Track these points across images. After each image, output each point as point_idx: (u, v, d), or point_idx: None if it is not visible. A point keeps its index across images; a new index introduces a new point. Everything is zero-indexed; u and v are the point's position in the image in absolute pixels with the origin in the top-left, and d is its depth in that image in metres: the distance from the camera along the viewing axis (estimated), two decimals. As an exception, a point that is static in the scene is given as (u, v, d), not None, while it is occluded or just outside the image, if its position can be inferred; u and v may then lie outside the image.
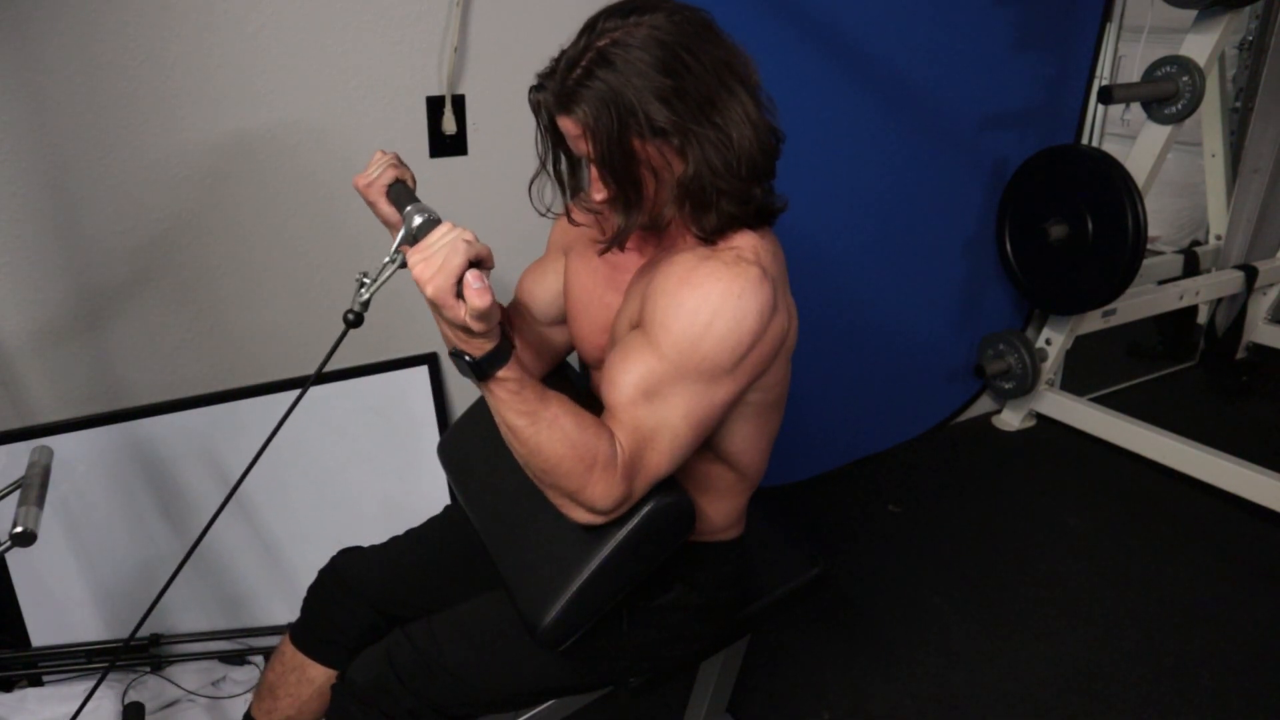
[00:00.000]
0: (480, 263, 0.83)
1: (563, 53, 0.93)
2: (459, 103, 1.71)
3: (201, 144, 1.52)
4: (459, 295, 0.81)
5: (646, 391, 0.92)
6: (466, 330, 0.83)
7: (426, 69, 1.67)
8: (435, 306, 0.82)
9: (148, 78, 1.44)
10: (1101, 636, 1.94)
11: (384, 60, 1.62)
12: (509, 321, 1.19)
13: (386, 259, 0.91)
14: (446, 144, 1.73)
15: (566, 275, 1.17)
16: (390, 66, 1.63)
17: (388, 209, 1.05)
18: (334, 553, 1.30)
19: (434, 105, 1.69)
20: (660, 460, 0.94)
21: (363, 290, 0.92)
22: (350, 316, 0.93)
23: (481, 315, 0.81)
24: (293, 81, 1.56)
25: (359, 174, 1.06)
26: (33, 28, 1.34)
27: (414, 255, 0.82)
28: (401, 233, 0.91)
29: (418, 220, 0.90)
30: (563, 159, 1.03)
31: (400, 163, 1.07)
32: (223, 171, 1.55)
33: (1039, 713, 1.74)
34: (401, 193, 1.03)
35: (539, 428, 0.89)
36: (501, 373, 0.87)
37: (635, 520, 0.97)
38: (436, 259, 0.81)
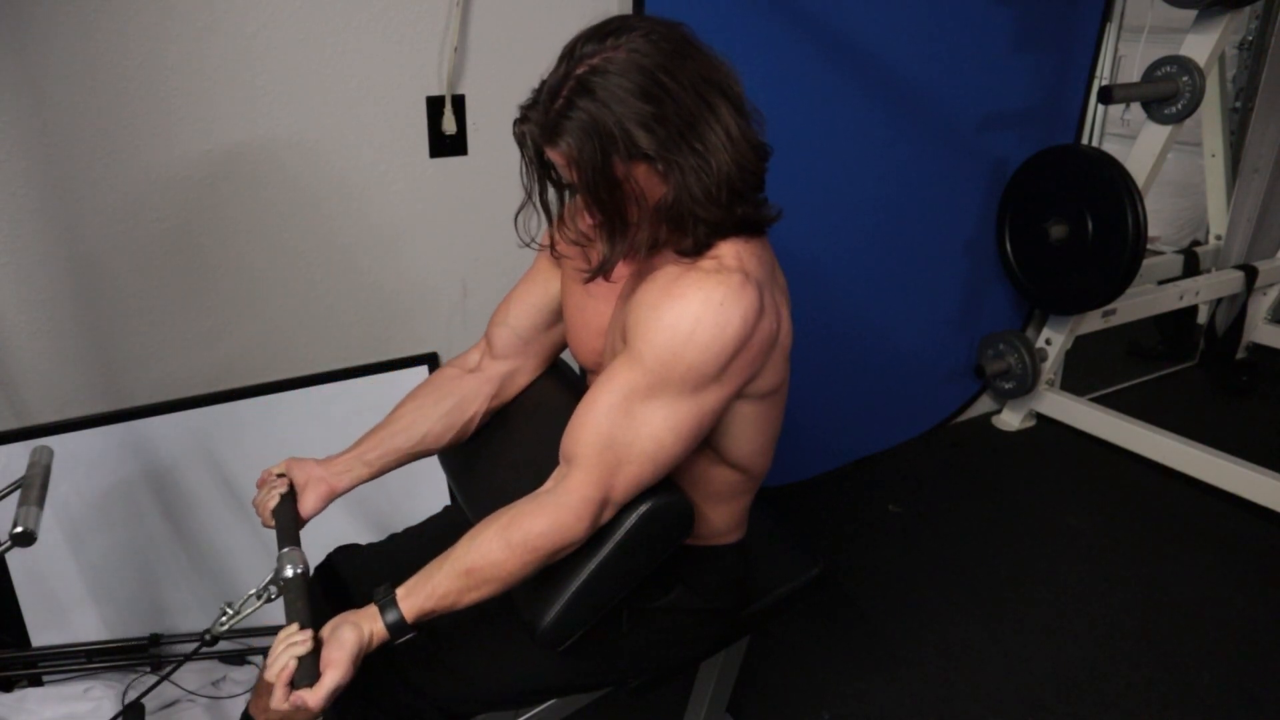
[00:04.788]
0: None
1: (543, 82, 0.93)
2: (459, 103, 1.71)
3: (201, 144, 1.52)
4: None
5: (627, 405, 0.93)
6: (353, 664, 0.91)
7: (426, 69, 1.67)
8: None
9: (147, 79, 1.44)
10: (1101, 636, 1.94)
11: (384, 60, 1.62)
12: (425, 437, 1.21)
13: (253, 591, 0.99)
14: (446, 144, 1.73)
15: (563, 283, 1.18)
16: (390, 67, 1.63)
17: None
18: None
19: (434, 105, 1.69)
20: (640, 471, 0.95)
21: (223, 618, 1.00)
22: (207, 637, 1.01)
23: (327, 700, 0.88)
24: (292, 82, 1.56)
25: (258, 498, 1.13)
26: (32, 30, 1.34)
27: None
28: (272, 573, 0.98)
29: (288, 572, 0.98)
30: (549, 189, 1.03)
31: (292, 478, 1.14)
32: (222, 171, 1.55)
33: (1039, 713, 1.74)
34: (284, 524, 1.08)
35: (475, 592, 0.95)
36: (411, 621, 0.93)
37: (633, 520, 0.98)
38: (271, 670, 0.90)
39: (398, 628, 0.93)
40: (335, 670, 0.89)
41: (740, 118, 0.93)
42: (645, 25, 0.91)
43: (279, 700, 0.87)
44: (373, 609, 0.93)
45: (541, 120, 0.91)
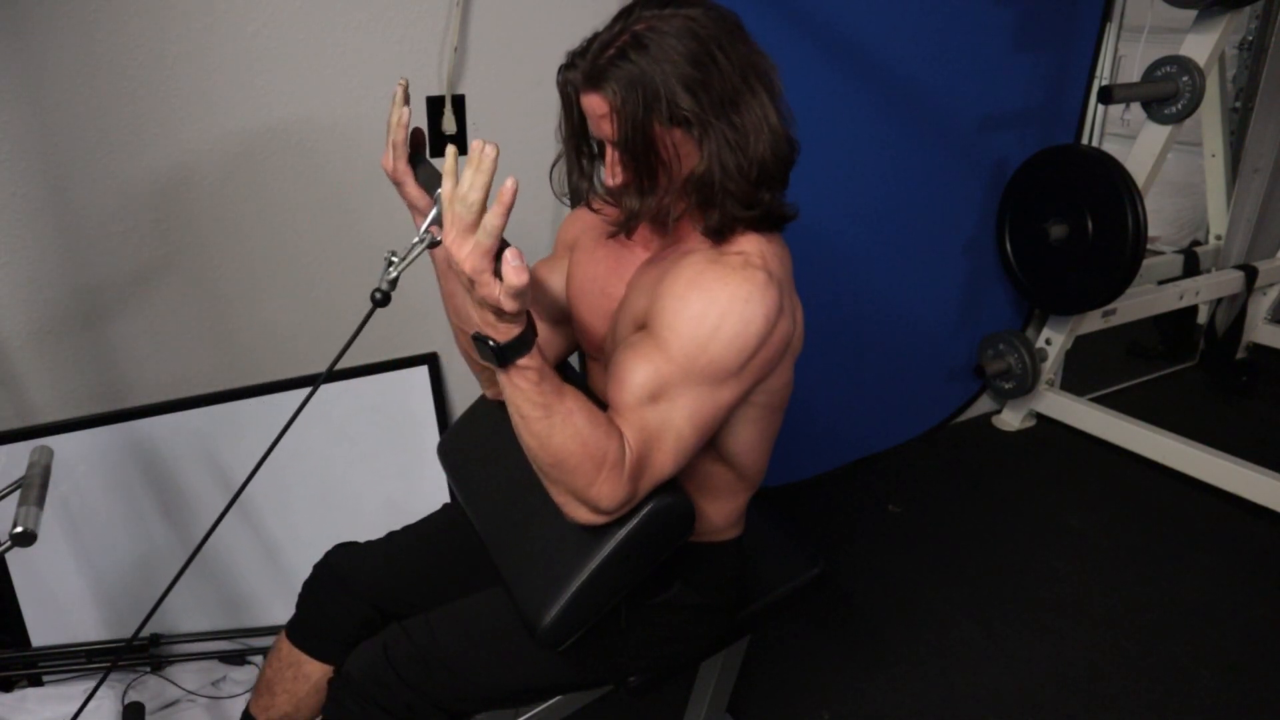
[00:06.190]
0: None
1: (596, 35, 0.94)
2: (459, 103, 1.71)
3: (201, 144, 1.52)
4: (496, 273, 0.81)
5: (653, 393, 0.92)
6: (497, 312, 0.83)
7: (426, 69, 1.67)
8: (470, 284, 0.82)
9: (147, 78, 1.44)
10: (1101, 636, 1.94)
11: (384, 60, 1.62)
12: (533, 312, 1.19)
13: (415, 239, 0.91)
14: (446, 144, 1.73)
15: (571, 266, 1.18)
16: (390, 66, 1.63)
17: (415, 191, 1.04)
18: (331, 551, 1.29)
19: (434, 105, 1.69)
20: (665, 461, 0.94)
21: (390, 269, 0.92)
22: (378, 295, 0.92)
23: (517, 294, 0.81)
24: (292, 82, 1.56)
25: (384, 156, 1.03)
26: (32, 28, 1.34)
27: (449, 234, 0.81)
28: (432, 213, 0.90)
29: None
30: (584, 145, 1.04)
31: (405, 102, 1.01)
32: (222, 172, 1.56)
33: (1039, 713, 1.74)
34: (430, 176, 1.02)
35: (553, 421, 0.88)
36: (523, 361, 0.87)
37: (635, 520, 0.97)
38: (470, 237, 0.80)
39: (517, 344, 0.85)
40: (526, 268, 0.80)
41: (777, 113, 0.96)
42: (704, 2, 0.93)
43: (515, 271, 0.78)
44: (525, 317, 0.86)
45: (589, 68, 0.92)
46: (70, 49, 1.37)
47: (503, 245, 0.82)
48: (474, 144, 0.81)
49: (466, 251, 0.80)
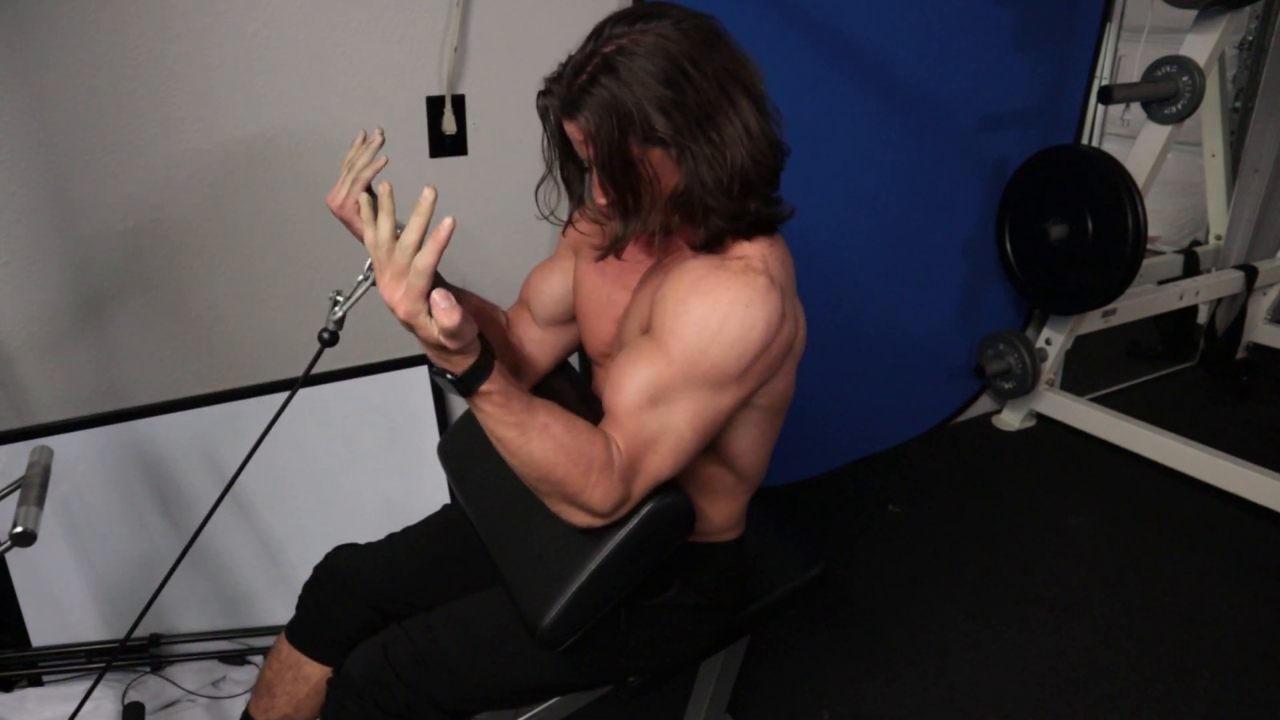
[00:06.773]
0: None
1: (570, 58, 0.94)
2: (459, 103, 1.71)
3: (201, 144, 1.52)
4: (430, 314, 0.80)
5: (652, 396, 0.92)
6: (441, 349, 0.82)
7: (426, 69, 1.67)
8: (408, 327, 0.82)
9: (147, 78, 1.44)
10: (1101, 636, 1.94)
11: (384, 60, 1.62)
12: (501, 329, 1.21)
13: (360, 277, 0.92)
14: (446, 144, 1.73)
15: (576, 272, 1.18)
16: (390, 67, 1.63)
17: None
18: (331, 551, 1.29)
19: (434, 105, 1.69)
20: (662, 464, 0.94)
21: (336, 309, 0.93)
22: (325, 335, 0.93)
23: (452, 334, 0.80)
24: (292, 82, 1.56)
25: (330, 193, 1.06)
26: (32, 28, 1.34)
27: (382, 278, 0.81)
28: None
29: None
30: (569, 165, 1.03)
31: (370, 162, 1.05)
32: (222, 172, 1.55)
33: (1039, 712, 1.74)
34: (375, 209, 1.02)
35: (529, 437, 0.89)
36: (485, 386, 0.86)
37: (635, 521, 0.97)
38: (402, 281, 0.79)
39: (474, 374, 0.85)
40: (456, 308, 0.78)
41: (760, 115, 0.94)
42: (676, 14, 0.92)
43: (445, 313, 0.77)
44: (477, 344, 0.86)
45: (564, 94, 0.92)
46: (70, 49, 1.37)
47: (435, 283, 0.81)
48: (382, 188, 0.81)
49: (399, 296, 0.79)
